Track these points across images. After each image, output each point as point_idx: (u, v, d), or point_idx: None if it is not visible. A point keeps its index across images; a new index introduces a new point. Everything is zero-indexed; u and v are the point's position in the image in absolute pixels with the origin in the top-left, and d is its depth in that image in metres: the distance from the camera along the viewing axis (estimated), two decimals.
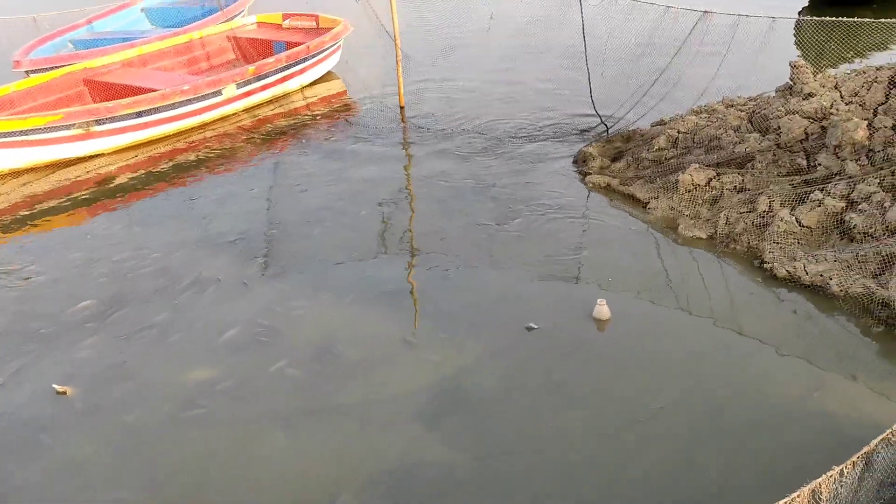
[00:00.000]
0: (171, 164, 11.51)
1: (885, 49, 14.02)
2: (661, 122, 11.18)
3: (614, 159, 10.69)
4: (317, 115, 13.33)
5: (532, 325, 7.29)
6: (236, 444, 6.08)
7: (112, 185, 10.88)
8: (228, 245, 9.02)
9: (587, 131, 11.81)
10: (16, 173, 11.15)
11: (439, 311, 7.63)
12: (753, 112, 9.93)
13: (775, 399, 6.25)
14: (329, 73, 15.08)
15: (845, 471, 3.87)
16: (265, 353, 7.09)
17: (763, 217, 8.43)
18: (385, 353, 7.07)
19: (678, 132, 10.27)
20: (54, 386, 6.71)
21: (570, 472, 5.68)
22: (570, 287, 7.95)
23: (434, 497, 5.51)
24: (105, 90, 12.82)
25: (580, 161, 10.77)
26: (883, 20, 10.00)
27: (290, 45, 14.41)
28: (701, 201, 9.07)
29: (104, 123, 11.47)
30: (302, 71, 14.15)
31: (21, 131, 10.83)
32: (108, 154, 11.75)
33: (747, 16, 9.60)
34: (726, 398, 6.31)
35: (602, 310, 7.25)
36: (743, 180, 9.03)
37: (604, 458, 5.81)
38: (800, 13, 17.68)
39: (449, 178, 10.55)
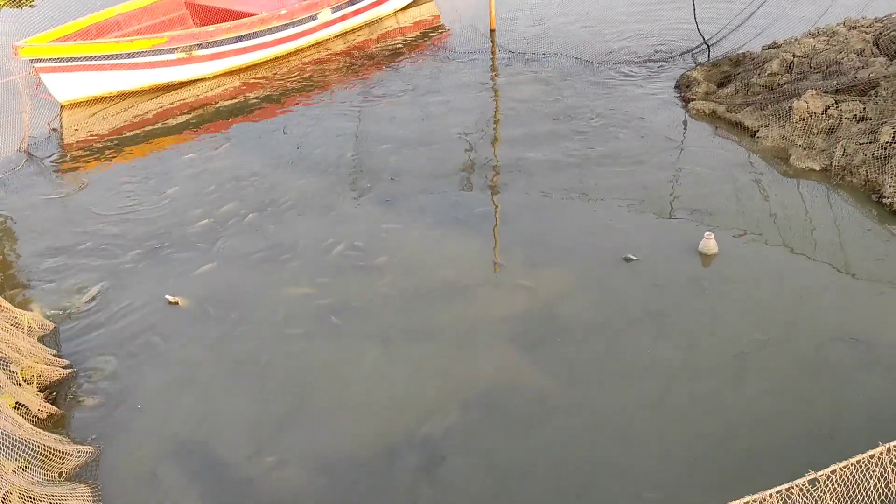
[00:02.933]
0: (266, 90, 11.64)
1: None
2: (774, 46, 10.52)
3: (721, 84, 10.16)
4: (409, 40, 13.15)
5: (631, 255, 7.12)
6: (338, 360, 6.27)
7: (213, 109, 11.11)
8: (323, 170, 9.13)
9: (690, 54, 11.22)
10: (123, 95, 11.51)
11: (532, 239, 7.55)
12: (880, 34, 9.21)
13: (889, 339, 5.96)
14: None
15: None
16: (364, 273, 7.22)
17: (885, 149, 7.88)
18: (479, 276, 7.09)
19: (793, 56, 9.65)
20: (167, 296, 7.03)
21: (666, 402, 5.61)
22: (670, 220, 7.70)
23: (526, 422, 5.55)
24: (205, 14, 12.97)
25: (683, 86, 10.30)
26: None
27: None
28: (816, 130, 8.55)
29: (206, 48, 11.64)
30: None
31: (128, 54, 11.13)
32: (208, 79, 11.97)
33: None
34: (835, 336, 6.05)
35: (709, 243, 7.01)
36: (864, 109, 8.44)
37: (702, 388, 5.70)
38: None
39: (540, 103, 10.29)
